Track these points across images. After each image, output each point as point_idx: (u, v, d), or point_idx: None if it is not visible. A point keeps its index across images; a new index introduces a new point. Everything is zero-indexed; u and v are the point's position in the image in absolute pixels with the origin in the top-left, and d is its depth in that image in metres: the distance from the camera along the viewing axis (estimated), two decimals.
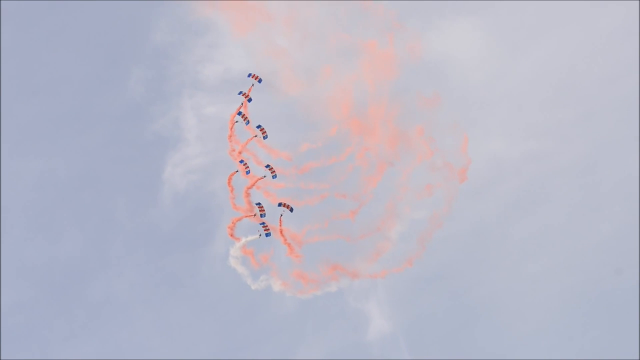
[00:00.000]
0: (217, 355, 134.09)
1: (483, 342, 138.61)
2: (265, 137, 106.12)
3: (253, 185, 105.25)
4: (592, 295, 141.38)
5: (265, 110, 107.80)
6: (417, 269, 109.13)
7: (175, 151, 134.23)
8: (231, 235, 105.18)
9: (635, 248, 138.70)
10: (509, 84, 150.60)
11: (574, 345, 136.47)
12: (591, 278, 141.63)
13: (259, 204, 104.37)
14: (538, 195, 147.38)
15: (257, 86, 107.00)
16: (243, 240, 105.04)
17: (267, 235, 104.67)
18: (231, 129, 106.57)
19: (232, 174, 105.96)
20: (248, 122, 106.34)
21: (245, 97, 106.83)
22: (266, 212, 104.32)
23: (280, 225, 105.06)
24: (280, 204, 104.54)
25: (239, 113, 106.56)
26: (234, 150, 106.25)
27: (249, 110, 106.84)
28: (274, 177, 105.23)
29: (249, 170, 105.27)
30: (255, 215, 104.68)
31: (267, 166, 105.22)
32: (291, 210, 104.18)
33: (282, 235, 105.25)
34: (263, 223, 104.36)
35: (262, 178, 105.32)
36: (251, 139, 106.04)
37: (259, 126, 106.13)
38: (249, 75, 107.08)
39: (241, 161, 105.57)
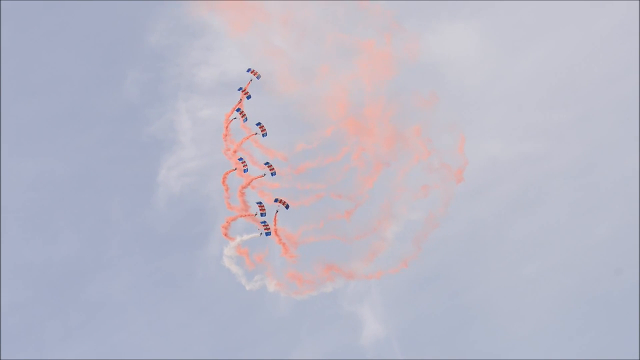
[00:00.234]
0: (212, 356, 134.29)
1: (479, 344, 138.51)
2: (264, 135, 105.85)
3: (248, 184, 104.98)
4: (589, 296, 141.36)
5: (262, 110, 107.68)
6: (413, 270, 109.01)
7: (171, 154, 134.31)
8: (225, 235, 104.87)
9: (633, 249, 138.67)
10: (506, 85, 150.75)
11: (570, 347, 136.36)
12: (588, 280, 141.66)
13: (260, 203, 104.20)
14: (535, 196, 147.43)
15: (254, 86, 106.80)
16: (238, 239, 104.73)
17: (267, 234, 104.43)
18: (227, 127, 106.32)
19: (227, 173, 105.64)
20: (246, 119, 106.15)
21: (245, 94, 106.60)
22: (267, 211, 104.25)
23: (275, 222, 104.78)
24: (276, 200, 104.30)
25: (238, 110, 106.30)
26: (228, 150, 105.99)
27: (246, 109, 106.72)
28: (273, 174, 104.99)
29: (247, 169, 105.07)
30: (255, 214, 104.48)
31: (267, 163, 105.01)
32: (287, 207, 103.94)
33: (277, 235, 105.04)
34: (264, 222, 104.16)
35: (261, 177, 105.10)
36: (249, 136, 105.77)
37: (258, 123, 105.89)
38: (248, 70, 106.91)
39: (240, 159, 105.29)
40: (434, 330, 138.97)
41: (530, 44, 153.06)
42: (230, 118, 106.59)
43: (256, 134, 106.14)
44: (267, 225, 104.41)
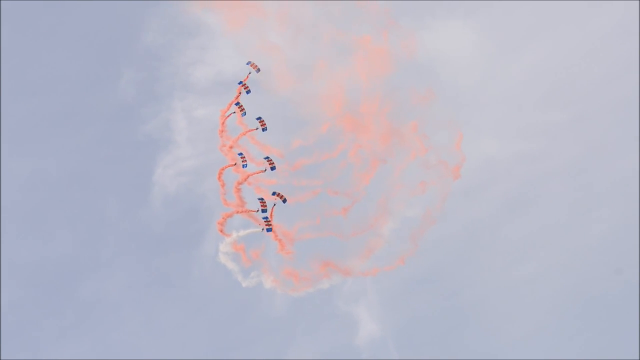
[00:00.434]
0: (208, 356, 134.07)
1: (475, 345, 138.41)
2: (264, 130, 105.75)
3: (245, 180, 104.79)
4: (585, 297, 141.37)
5: (258, 106, 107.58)
6: (408, 270, 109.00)
7: (166, 153, 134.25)
8: (221, 231, 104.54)
9: (630, 250, 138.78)
10: (502, 85, 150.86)
11: (566, 348, 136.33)
12: (585, 280, 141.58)
13: (262, 199, 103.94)
14: (531, 196, 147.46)
15: (250, 83, 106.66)
16: (235, 235, 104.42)
17: (269, 230, 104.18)
18: (222, 123, 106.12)
19: (223, 169, 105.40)
20: (245, 113, 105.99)
21: (244, 88, 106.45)
22: (267, 207, 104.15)
23: (272, 216, 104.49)
24: (274, 193, 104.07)
25: (237, 104, 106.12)
26: (224, 146, 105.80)
27: (243, 105, 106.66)
28: (273, 169, 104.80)
29: (246, 164, 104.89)
30: (257, 210, 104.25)
31: (267, 158, 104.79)
32: (284, 201, 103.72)
33: (274, 231, 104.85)
34: (266, 218, 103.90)
35: (263, 171, 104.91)
36: (245, 132, 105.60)
37: (259, 118, 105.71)
38: (248, 63, 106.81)
39: (240, 153, 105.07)
40: (430, 330, 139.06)
41: (526, 43, 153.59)
42: (228, 113, 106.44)
43: (257, 129, 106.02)
44: (269, 221, 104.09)
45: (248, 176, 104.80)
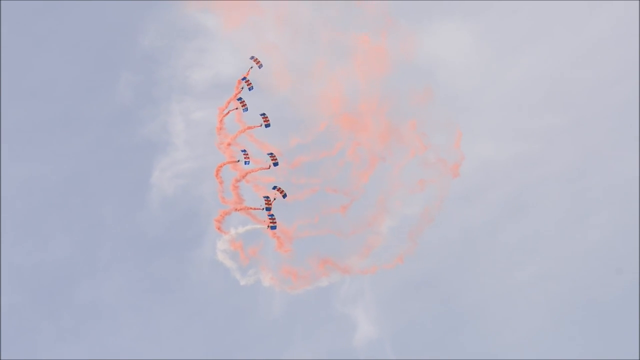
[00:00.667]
0: (205, 358, 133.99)
1: (472, 347, 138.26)
2: (267, 126, 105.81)
3: (244, 177, 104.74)
4: (582, 301, 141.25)
5: (257, 105, 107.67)
6: (406, 273, 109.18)
7: (164, 156, 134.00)
8: (219, 229, 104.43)
9: (627, 254, 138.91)
10: (499, 89, 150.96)
11: (562, 352, 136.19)
12: (581, 284, 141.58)
13: (267, 197, 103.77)
14: (529, 200, 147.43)
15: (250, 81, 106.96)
16: (233, 232, 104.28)
17: (273, 228, 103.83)
18: (221, 120, 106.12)
19: (221, 165, 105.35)
20: (246, 109, 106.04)
21: (247, 83, 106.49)
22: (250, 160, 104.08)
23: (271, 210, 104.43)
24: (274, 187, 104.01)
25: (239, 99, 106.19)
26: (222, 143, 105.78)
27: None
28: (276, 164, 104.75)
29: (249, 161, 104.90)
30: (262, 208, 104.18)
31: (270, 154, 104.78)
32: (284, 196, 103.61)
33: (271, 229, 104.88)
34: (272, 215, 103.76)
35: (267, 168, 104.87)
36: (244, 130, 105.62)
37: (263, 114, 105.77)
38: (252, 57, 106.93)
39: (243, 150, 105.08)
40: (427, 332, 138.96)
41: (524, 46, 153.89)
42: (230, 109, 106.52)
43: (260, 125, 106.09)
44: (274, 218, 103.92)
45: (246, 173, 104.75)
